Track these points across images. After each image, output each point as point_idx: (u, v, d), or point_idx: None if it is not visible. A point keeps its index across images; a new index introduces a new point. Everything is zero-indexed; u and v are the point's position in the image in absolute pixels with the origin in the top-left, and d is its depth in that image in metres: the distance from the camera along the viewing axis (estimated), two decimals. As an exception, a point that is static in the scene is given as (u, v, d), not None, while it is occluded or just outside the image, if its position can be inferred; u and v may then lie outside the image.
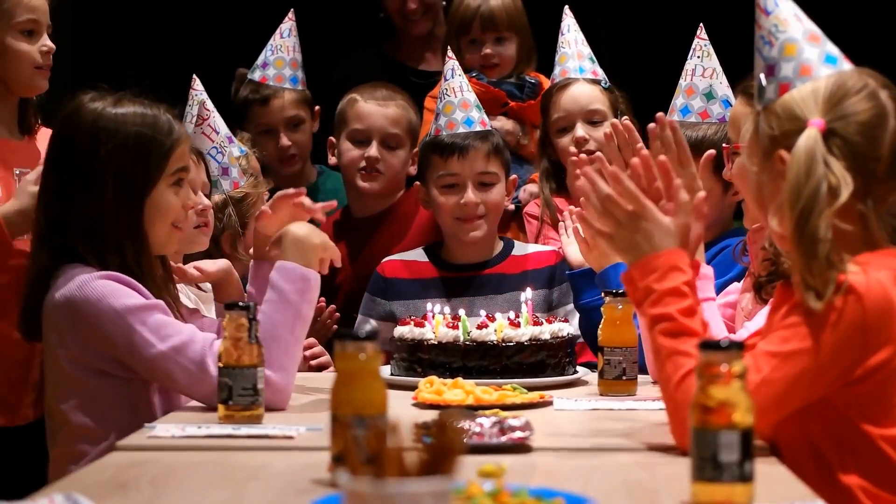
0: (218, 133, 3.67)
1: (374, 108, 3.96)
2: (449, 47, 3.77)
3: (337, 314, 3.63)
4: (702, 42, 3.52)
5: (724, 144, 2.75)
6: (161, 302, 2.66)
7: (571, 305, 3.50)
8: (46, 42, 3.30)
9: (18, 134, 3.33)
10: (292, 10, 4.25)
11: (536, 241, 3.82)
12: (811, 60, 2.22)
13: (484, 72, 4.26)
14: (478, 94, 4.18)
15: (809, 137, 2.14)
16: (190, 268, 3.17)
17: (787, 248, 2.23)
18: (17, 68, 3.28)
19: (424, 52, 4.66)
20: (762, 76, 2.25)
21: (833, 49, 2.24)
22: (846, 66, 2.24)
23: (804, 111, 2.18)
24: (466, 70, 4.28)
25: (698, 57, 3.52)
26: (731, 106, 3.46)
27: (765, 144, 2.23)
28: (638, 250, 2.26)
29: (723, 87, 3.50)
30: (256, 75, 4.25)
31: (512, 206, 3.97)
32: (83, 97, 2.76)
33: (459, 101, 3.60)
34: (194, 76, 3.74)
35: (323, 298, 3.54)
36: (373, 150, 3.93)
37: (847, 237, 2.15)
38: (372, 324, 3.54)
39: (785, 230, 2.16)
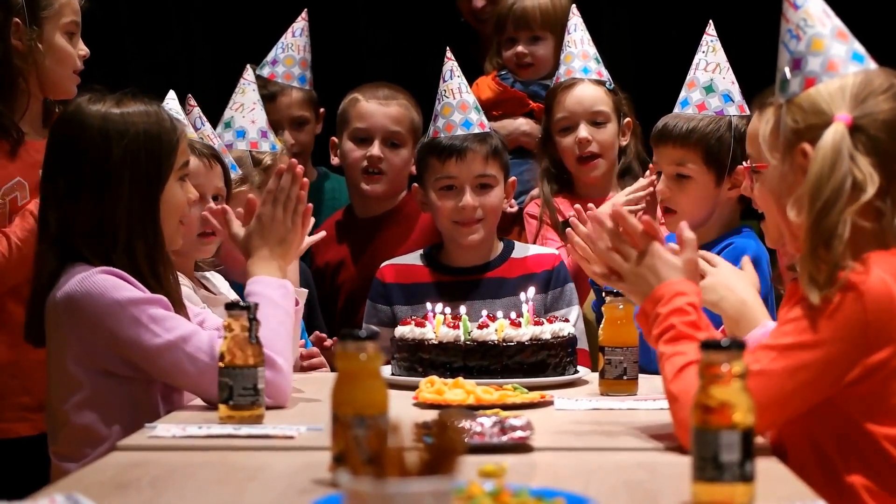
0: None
1: (376, 107, 3.97)
2: (448, 48, 3.77)
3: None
4: (709, 38, 3.52)
5: (744, 163, 2.72)
6: (163, 298, 2.65)
7: (566, 309, 3.49)
8: (83, 47, 3.29)
9: (43, 132, 3.31)
10: (306, 10, 4.24)
11: (535, 242, 3.80)
12: (839, 56, 2.21)
13: (518, 71, 4.23)
14: (497, 94, 4.17)
15: (836, 132, 2.13)
16: None
17: (798, 249, 2.21)
18: (60, 68, 3.25)
19: None
20: (787, 69, 2.23)
21: (860, 47, 2.23)
22: (872, 65, 2.23)
23: (831, 106, 2.17)
24: (502, 68, 4.27)
25: (703, 52, 3.51)
26: (730, 100, 3.45)
27: (787, 137, 2.21)
28: (647, 285, 2.28)
29: (725, 82, 3.48)
30: (265, 71, 4.24)
31: (515, 208, 3.94)
32: (80, 99, 2.75)
33: (458, 102, 3.58)
34: (248, 66, 3.73)
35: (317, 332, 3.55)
36: (375, 149, 3.94)
37: (863, 233, 2.14)
38: (372, 330, 3.51)
39: (802, 222, 2.14)
